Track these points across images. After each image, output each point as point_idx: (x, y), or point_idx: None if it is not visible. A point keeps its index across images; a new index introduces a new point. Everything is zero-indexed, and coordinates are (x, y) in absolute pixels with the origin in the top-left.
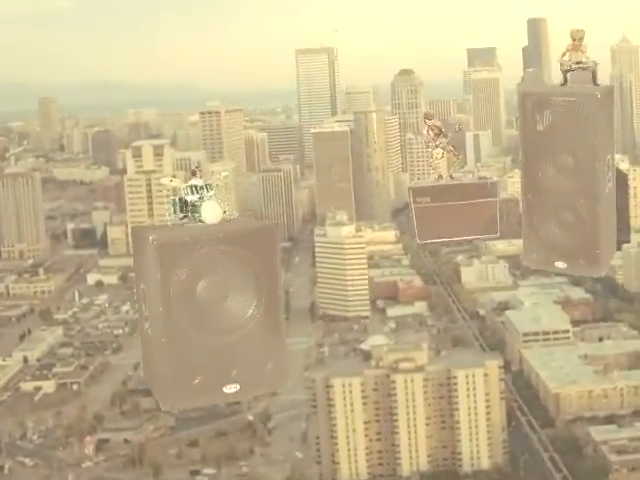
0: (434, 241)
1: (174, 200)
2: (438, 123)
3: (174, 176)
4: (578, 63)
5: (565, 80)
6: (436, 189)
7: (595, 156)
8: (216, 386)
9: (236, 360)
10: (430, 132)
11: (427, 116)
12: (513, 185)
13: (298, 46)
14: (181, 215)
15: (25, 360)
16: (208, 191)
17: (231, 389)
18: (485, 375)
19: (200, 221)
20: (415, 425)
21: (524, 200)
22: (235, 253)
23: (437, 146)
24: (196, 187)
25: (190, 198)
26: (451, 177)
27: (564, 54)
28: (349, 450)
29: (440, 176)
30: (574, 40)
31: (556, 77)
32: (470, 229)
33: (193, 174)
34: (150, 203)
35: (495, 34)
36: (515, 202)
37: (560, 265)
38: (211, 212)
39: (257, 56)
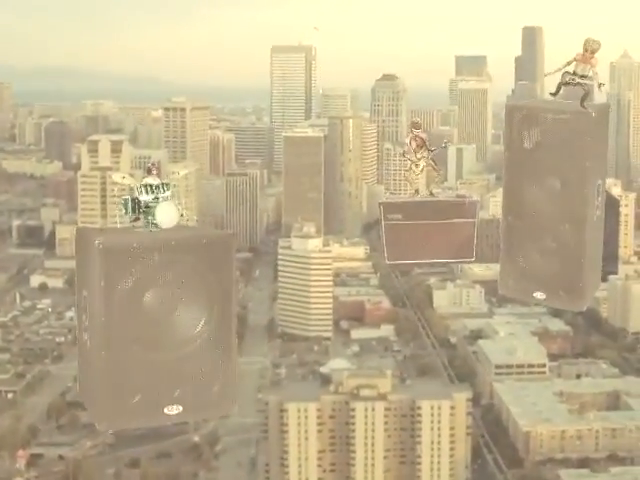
0: (404, 262)
1: (126, 200)
2: (424, 135)
3: (130, 174)
4: (583, 77)
5: (557, 91)
6: (409, 206)
7: (585, 180)
8: (157, 406)
9: (180, 379)
10: (413, 142)
11: (415, 125)
12: (495, 205)
13: (274, 42)
14: (133, 217)
15: None
16: (164, 191)
17: (173, 410)
18: (452, 408)
19: (153, 224)
20: (373, 458)
21: (504, 222)
22: (187, 263)
23: (418, 159)
24: (151, 186)
25: (144, 198)
26: (431, 194)
27: (569, 63)
28: None
29: (416, 191)
30: (586, 51)
31: (550, 91)
32: (444, 251)
33: (149, 172)
34: (104, 202)
35: (487, 41)
36: (496, 223)
37: (539, 296)
38: (166, 215)
39: (229, 51)
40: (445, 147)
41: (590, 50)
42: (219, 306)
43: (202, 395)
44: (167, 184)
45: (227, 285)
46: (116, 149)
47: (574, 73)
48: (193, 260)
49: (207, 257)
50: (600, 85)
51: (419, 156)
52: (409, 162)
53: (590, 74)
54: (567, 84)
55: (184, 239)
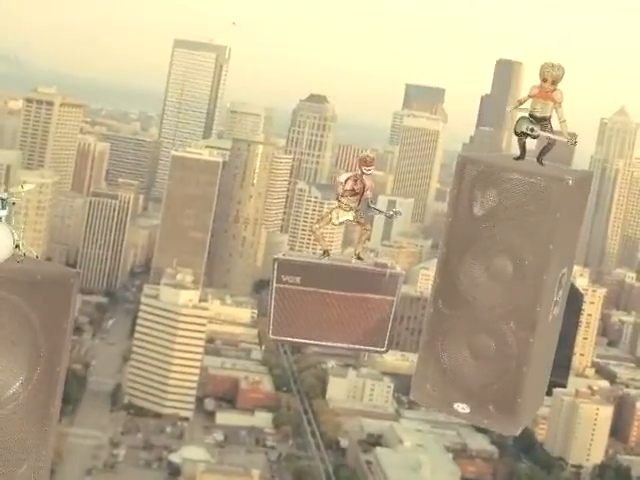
0: (292, 340)
1: None
2: (369, 181)
3: None
4: (543, 120)
5: (522, 151)
6: (311, 268)
7: (546, 266)
8: None
9: None
10: (350, 183)
11: (366, 161)
12: (426, 280)
13: (179, 35)
14: None
15: None
16: None
17: None
18: None
19: None
20: None
21: (432, 307)
22: (10, 303)
23: (345, 207)
24: None
25: None
26: (359, 258)
27: (521, 102)
28: None
29: (326, 252)
30: (544, 81)
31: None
32: (347, 334)
33: None
34: None
35: (449, 71)
36: (423, 304)
37: (460, 408)
38: None
39: (122, 39)
40: (390, 217)
41: (550, 80)
42: (45, 364)
43: (3, 476)
44: (4, 200)
45: (59, 338)
46: None
47: (531, 116)
48: (18, 300)
49: (37, 299)
50: (571, 139)
51: (345, 202)
52: (330, 208)
53: (555, 117)
54: (524, 135)
55: (11, 272)
